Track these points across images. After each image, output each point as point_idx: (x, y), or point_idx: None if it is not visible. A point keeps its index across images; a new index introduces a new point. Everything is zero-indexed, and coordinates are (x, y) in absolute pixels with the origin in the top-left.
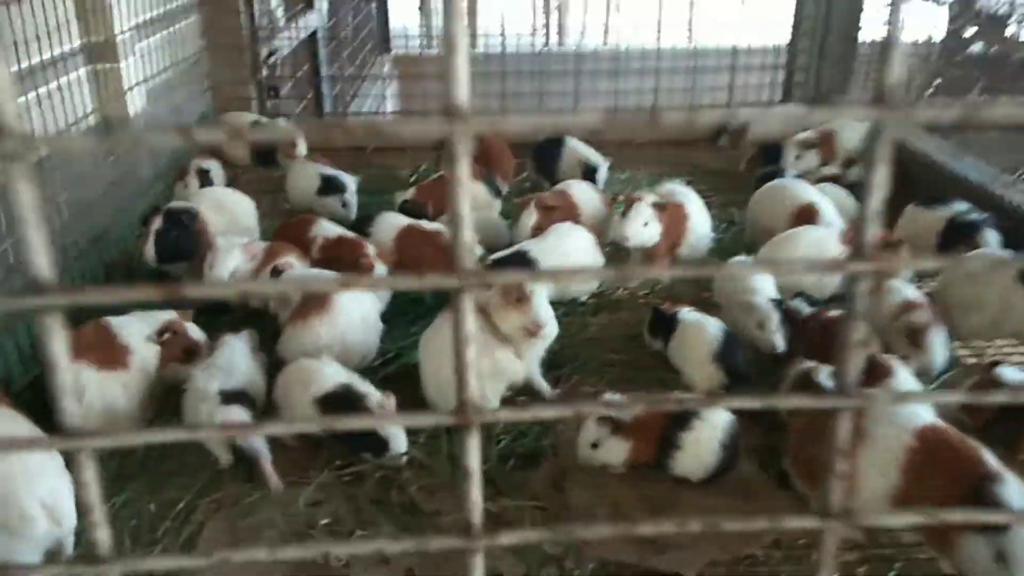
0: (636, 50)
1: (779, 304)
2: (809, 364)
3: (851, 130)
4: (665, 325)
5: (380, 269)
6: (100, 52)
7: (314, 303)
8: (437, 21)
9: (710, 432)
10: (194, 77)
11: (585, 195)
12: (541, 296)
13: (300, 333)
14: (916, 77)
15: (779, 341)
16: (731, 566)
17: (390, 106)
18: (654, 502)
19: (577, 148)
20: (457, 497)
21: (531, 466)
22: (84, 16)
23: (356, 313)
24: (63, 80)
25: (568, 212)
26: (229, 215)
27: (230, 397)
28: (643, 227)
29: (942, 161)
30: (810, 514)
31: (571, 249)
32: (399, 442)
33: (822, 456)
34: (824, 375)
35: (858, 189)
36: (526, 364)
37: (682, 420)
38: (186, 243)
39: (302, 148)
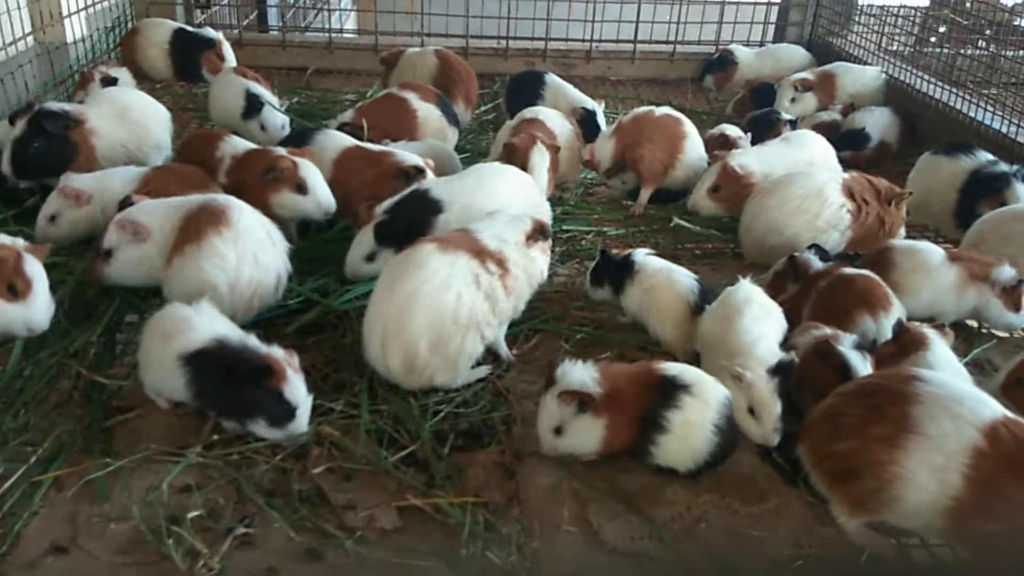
0: None
1: (787, 371)
2: (826, 330)
3: (853, 73)
4: (615, 270)
5: (306, 166)
6: None
7: (206, 218)
8: None
9: (702, 411)
10: None
11: (559, 124)
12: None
13: (194, 259)
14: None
15: (774, 439)
16: None
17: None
18: (630, 497)
19: (564, 88)
20: (379, 487)
21: (475, 447)
22: None
23: (260, 230)
24: None
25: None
26: (135, 126)
27: None
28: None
29: (959, 107)
30: None
31: (497, 192)
32: (304, 417)
33: (854, 449)
34: (847, 344)
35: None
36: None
37: (668, 396)
38: (51, 156)
39: (230, 61)
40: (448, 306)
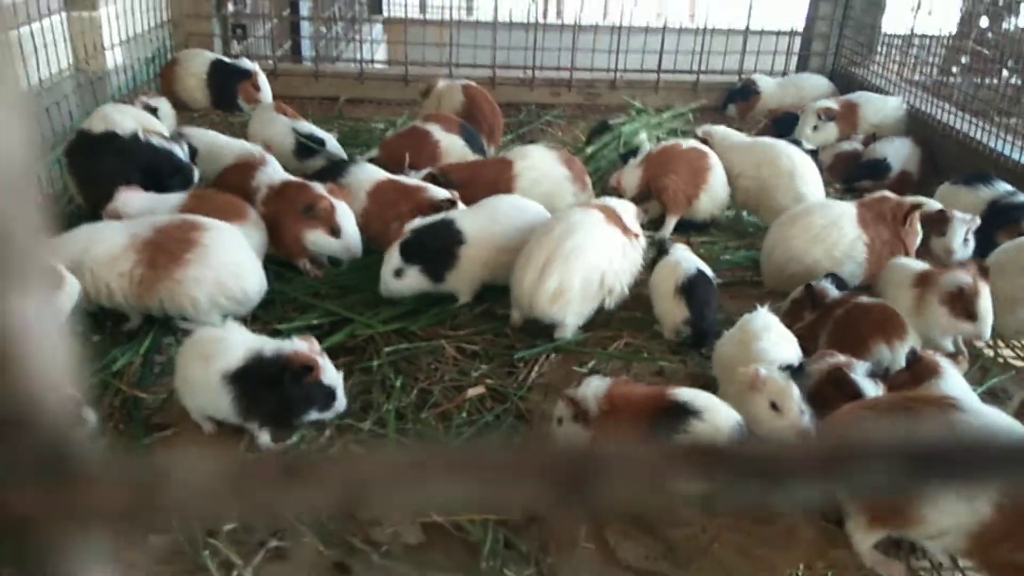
0: (639, 27)
1: (799, 372)
2: (840, 358)
3: (875, 103)
4: (656, 255)
5: (343, 209)
6: None
7: (173, 246)
8: None
9: (711, 437)
10: (151, 7)
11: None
12: None
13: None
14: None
15: (804, 422)
16: None
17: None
18: (643, 523)
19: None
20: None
21: None
22: None
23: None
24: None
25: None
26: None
27: None
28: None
29: (979, 138)
30: None
31: (508, 224)
32: (341, 392)
33: None
34: (860, 372)
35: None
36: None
37: (675, 416)
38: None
39: (266, 91)
40: (602, 269)
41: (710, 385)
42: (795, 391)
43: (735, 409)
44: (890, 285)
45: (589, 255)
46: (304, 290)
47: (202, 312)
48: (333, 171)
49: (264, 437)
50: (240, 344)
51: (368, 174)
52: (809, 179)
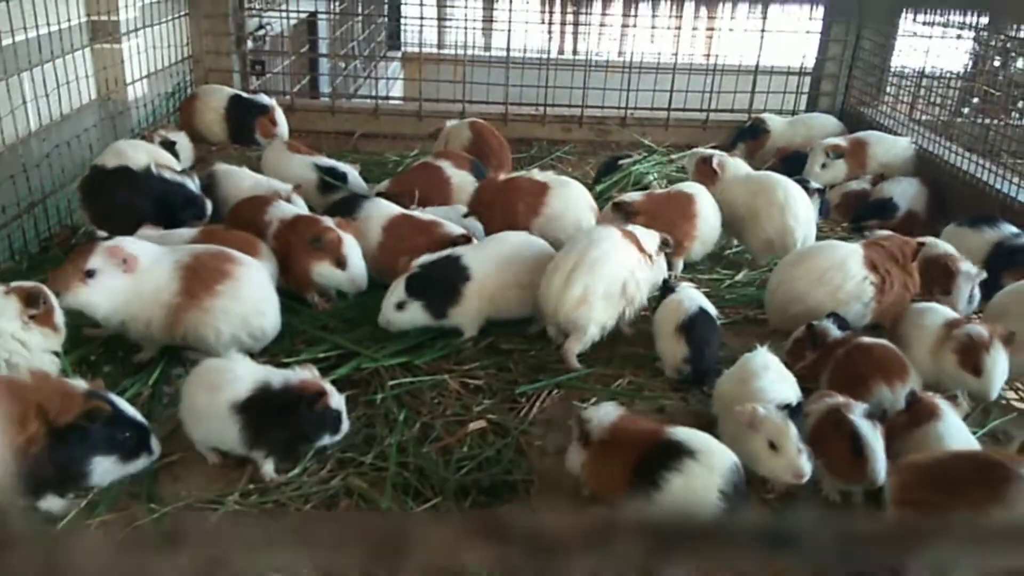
0: (650, 63)
1: (797, 411)
2: (839, 399)
3: (885, 143)
4: (662, 294)
5: (349, 242)
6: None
7: (206, 275)
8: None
9: (706, 477)
10: (172, 43)
11: None
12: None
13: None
14: (947, 97)
15: (804, 465)
16: None
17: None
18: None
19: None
20: None
21: (496, 502)
22: None
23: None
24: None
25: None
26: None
27: None
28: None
29: (986, 180)
30: None
31: (515, 260)
32: (345, 414)
33: (943, 503)
34: (858, 412)
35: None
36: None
37: (668, 454)
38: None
39: (283, 126)
40: (623, 278)
41: (712, 423)
42: (793, 430)
43: (734, 448)
44: (915, 328)
45: (612, 264)
46: (312, 323)
47: (222, 344)
48: (348, 206)
49: (268, 467)
50: (246, 375)
51: (383, 209)
52: (800, 214)
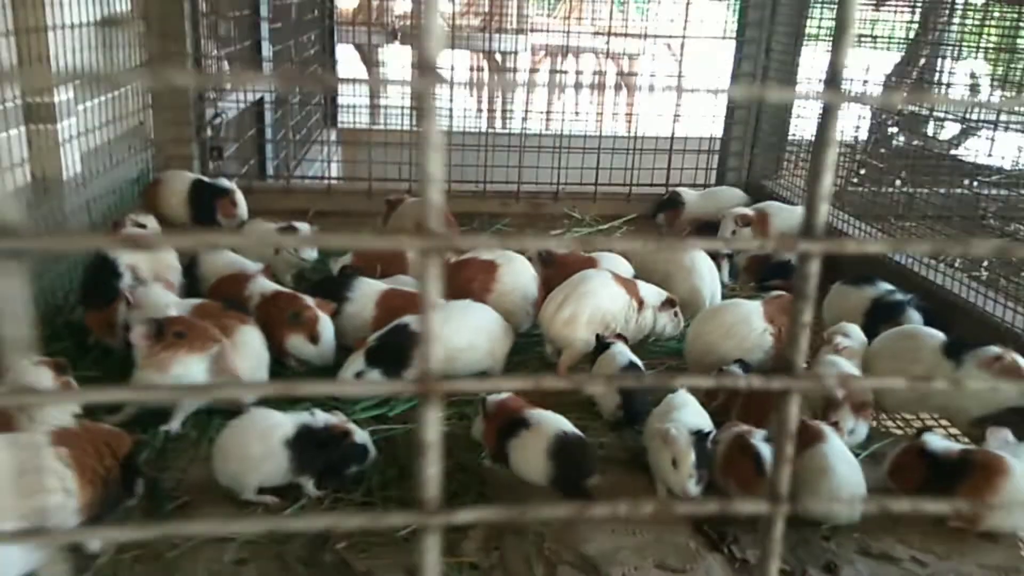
0: (578, 135)
1: (703, 438)
2: (743, 427)
3: (783, 213)
4: (596, 351)
5: (324, 321)
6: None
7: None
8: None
9: (535, 441)
10: (136, 135)
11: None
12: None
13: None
14: (841, 168)
15: (690, 487)
16: None
17: (335, 174)
18: (590, 559)
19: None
20: (392, 555)
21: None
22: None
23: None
24: None
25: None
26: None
27: None
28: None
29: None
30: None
31: (462, 327)
32: (370, 444)
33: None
34: (759, 437)
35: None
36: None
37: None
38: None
39: (242, 207)
40: (605, 309)
41: (641, 455)
42: (692, 455)
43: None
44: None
45: (597, 297)
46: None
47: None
48: (339, 286)
49: (310, 486)
50: (286, 418)
51: (371, 287)
52: (705, 275)
